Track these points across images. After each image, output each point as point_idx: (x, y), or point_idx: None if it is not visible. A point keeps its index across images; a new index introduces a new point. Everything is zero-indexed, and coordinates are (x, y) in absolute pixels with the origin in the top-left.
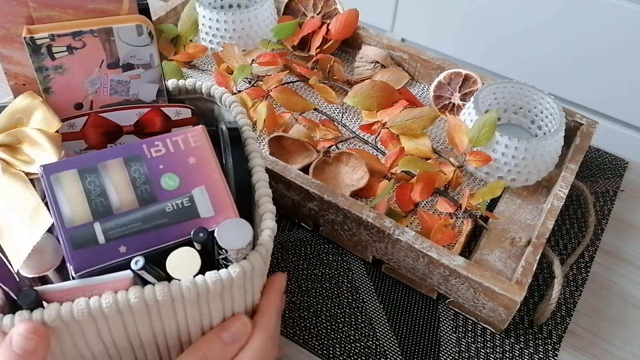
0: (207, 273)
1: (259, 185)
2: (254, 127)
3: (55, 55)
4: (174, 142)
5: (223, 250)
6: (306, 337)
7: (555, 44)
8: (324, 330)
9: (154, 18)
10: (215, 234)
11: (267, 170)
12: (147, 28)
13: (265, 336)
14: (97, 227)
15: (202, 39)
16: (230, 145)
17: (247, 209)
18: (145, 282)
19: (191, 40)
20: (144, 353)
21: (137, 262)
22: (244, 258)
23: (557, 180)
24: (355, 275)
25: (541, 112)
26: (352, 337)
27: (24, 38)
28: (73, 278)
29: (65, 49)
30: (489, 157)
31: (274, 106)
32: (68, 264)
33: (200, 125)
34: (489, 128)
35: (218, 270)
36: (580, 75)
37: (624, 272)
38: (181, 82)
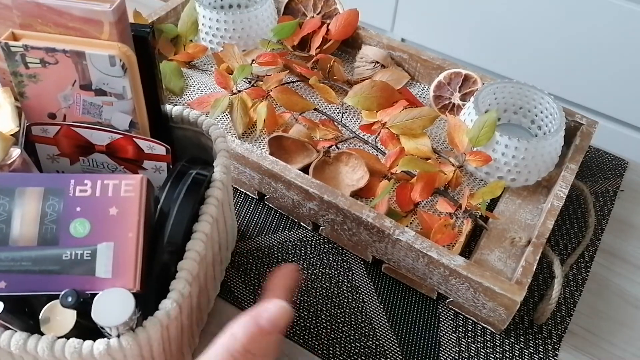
0: (70, 341)
1: (187, 255)
2: (253, 127)
3: (28, 64)
4: (103, 186)
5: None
6: (306, 337)
7: (555, 44)
8: (324, 330)
9: (153, 18)
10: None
11: (267, 171)
12: (121, 60)
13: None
14: None
15: (202, 39)
16: (183, 194)
17: (174, 267)
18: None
19: (191, 40)
20: None
21: None
22: (119, 335)
23: (557, 180)
24: (355, 275)
25: (541, 112)
26: (352, 337)
27: None
28: None
29: (38, 61)
30: (489, 157)
31: (274, 106)
32: None
33: (141, 175)
34: (489, 128)
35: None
36: (580, 75)
37: (624, 272)
38: (185, 111)
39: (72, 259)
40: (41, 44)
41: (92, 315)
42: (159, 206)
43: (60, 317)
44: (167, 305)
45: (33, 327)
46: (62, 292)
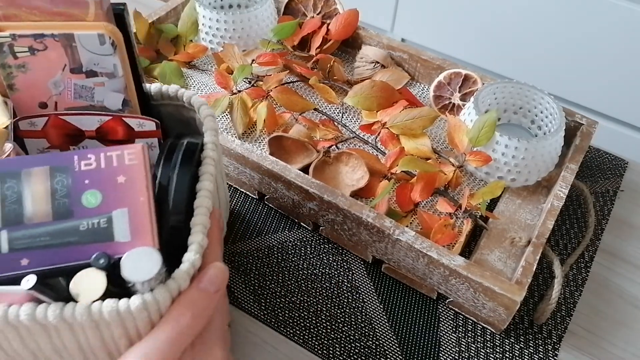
0: (106, 301)
1: (197, 212)
2: (253, 127)
3: (17, 54)
4: (107, 158)
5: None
6: (306, 337)
7: (555, 44)
8: (324, 330)
9: (153, 18)
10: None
11: (267, 171)
12: (110, 38)
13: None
14: (3, 235)
15: (202, 39)
16: (180, 161)
17: (183, 231)
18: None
19: (191, 40)
20: None
21: (28, 281)
22: (152, 290)
23: (557, 180)
24: (355, 275)
25: (541, 112)
26: (352, 337)
27: None
28: None
29: (27, 49)
30: (489, 157)
31: (274, 106)
32: None
33: (141, 144)
34: (489, 128)
35: (130, 296)
36: (580, 75)
37: (624, 272)
38: (164, 87)
39: (89, 229)
40: (29, 31)
41: (123, 273)
42: (157, 181)
43: (88, 287)
44: (191, 256)
45: (65, 297)
46: (94, 256)
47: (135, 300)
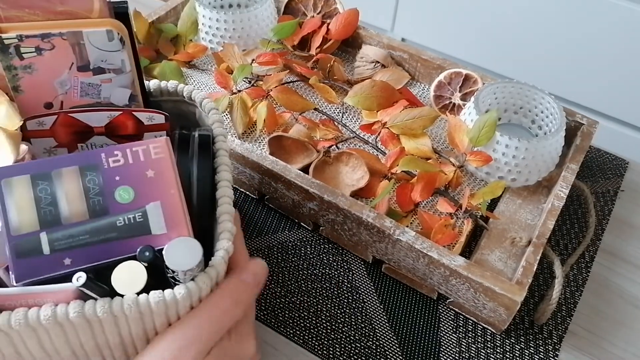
0: (152, 292)
1: (222, 202)
2: (253, 127)
3: (23, 55)
4: (134, 153)
5: (170, 270)
6: (306, 337)
7: (556, 44)
8: (324, 330)
9: (153, 18)
10: (163, 253)
11: (267, 171)
12: (119, 34)
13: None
14: (43, 237)
15: (202, 38)
16: (197, 154)
17: (208, 222)
18: (89, 296)
19: (191, 40)
20: None
21: (79, 279)
22: (193, 279)
23: (557, 180)
24: (355, 275)
25: (541, 112)
26: (352, 337)
27: None
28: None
29: (33, 49)
30: (489, 157)
31: (274, 106)
32: (10, 272)
33: (164, 137)
34: (489, 128)
35: (172, 287)
36: (580, 75)
37: (624, 272)
38: (163, 83)
39: (126, 224)
40: (36, 31)
41: (168, 263)
42: None
43: (129, 280)
44: (224, 244)
45: (109, 292)
46: (139, 249)
47: (180, 289)
